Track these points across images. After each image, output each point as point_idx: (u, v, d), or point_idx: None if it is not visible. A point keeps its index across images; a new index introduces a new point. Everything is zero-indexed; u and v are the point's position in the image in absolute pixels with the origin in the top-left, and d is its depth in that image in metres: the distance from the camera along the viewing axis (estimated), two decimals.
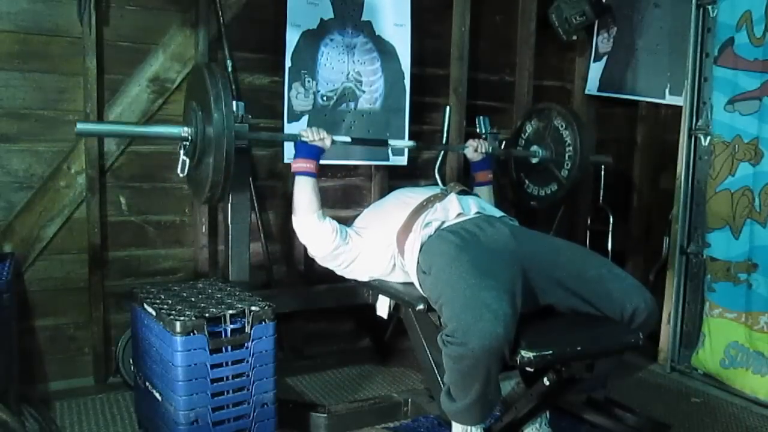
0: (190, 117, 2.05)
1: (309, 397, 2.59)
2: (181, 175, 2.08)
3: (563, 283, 1.94)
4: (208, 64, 2.12)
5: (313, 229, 2.21)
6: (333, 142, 2.25)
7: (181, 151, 2.06)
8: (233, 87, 2.60)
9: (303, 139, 2.21)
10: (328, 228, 2.20)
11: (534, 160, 2.86)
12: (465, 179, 2.86)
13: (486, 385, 1.73)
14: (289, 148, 2.66)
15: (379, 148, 2.85)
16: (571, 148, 2.73)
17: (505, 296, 1.72)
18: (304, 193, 2.20)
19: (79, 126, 1.94)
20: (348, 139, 2.46)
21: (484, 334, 1.64)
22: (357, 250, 2.23)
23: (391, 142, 2.58)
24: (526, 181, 2.96)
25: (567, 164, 2.74)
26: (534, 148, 2.87)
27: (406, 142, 2.79)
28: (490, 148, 2.61)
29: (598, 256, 2.11)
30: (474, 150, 2.57)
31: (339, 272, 2.33)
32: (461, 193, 2.28)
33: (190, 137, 2.02)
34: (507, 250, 1.98)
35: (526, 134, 2.97)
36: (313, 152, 2.21)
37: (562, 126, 2.79)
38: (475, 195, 2.36)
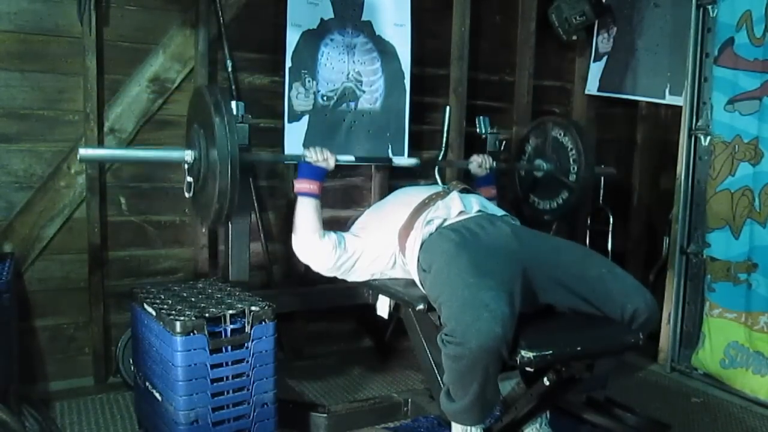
0: (194, 139, 2.05)
1: (309, 397, 2.59)
2: (187, 195, 2.08)
3: (564, 283, 1.94)
4: (209, 86, 2.12)
5: (313, 249, 2.21)
6: (337, 161, 2.24)
7: (186, 172, 2.06)
8: (233, 87, 2.61)
9: (307, 159, 2.20)
10: (328, 246, 2.19)
11: (539, 174, 2.86)
12: (465, 179, 2.86)
13: (484, 384, 1.73)
14: (289, 148, 2.66)
15: (380, 149, 2.86)
16: (573, 151, 2.73)
17: (504, 296, 1.72)
18: (306, 214, 2.19)
19: (82, 152, 1.95)
20: (352, 158, 2.44)
21: (483, 333, 1.64)
22: (358, 253, 2.22)
23: (395, 160, 2.59)
24: (535, 199, 2.96)
25: (573, 168, 2.74)
26: (538, 161, 2.87)
27: (409, 160, 2.72)
28: (494, 163, 2.61)
29: (599, 256, 2.11)
30: (478, 165, 2.59)
31: (341, 277, 2.32)
32: (463, 191, 2.27)
33: (194, 159, 2.02)
34: (507, 249, 1.98)
35: (527, 154, 2.97)
36: (317, 173, 2.21)
37: (560, 134, 2.80)
38: (477, 193, 2.36)
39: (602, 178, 3.50)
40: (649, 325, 1.91)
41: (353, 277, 2.29)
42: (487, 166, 2.57)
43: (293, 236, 2.23)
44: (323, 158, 2.19)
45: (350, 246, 2.22)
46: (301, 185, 2.20)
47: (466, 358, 1.68)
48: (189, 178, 2.05)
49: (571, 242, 2.17)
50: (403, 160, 2.68)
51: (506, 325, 1.66)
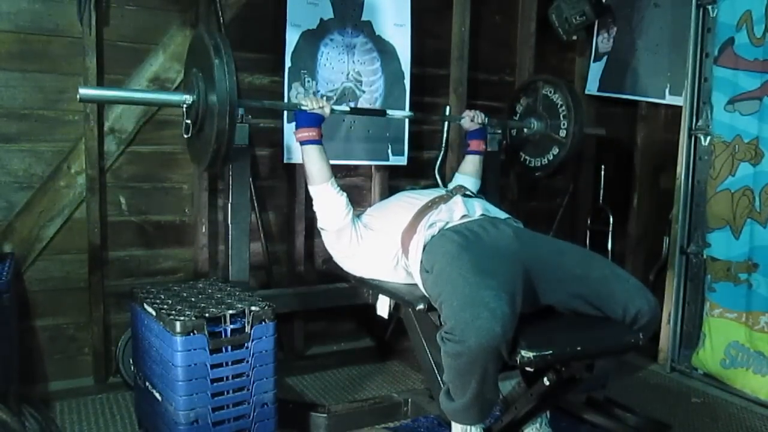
0: (192, 83, 2.06)
1: (309, 397, 2.59)
2: (185, 136, 2.10)
3: (566, 284, 1.93)
4: (208, 29, 2.13)
5: (327, 198, 2.22)
6: (332, 110, 2.27)
7: (185, 115, 2.09)
8: None
9: (303, 107, 2.23)
10: (342, 201, 2.22)
11: (530, 131, 2.88)
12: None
13: (483, 383, 1.73)
14: (288, 149, 2.66)
15: (380, 149, 2.86)
16: (564, 107, 2.75)
17: (505, 295, 1.72)
18: (314, 161, 2.21)
19: (82, 91, 1.93)
20: (346, 108, 2.49)
21: (482, 332, 1.64)
22: (361, 242, 2.22)
23: (390, 111, 2.59)
24: (526, 157, 2.97)
25: (563, 124, 2.76)
26: (528, 120, 2.89)
27: (404, 113, 2.82)
28: (486, 119, 2.64)
29: (601, 258, 2.11)
30: (470, 120, 2.63)
31: (339, 260, 2.32)
32: (466, 195, 2.28)
33: (192, 102, 2.04)
34: (509, 250, 1.98)
35: (518, 114, 2.97)
36: (314, 120, 2.23)
37: (551, 92, 2.82)
38: (480, 198, 2.36)
39: (602, 177, 3.53)
40: (652, 326, 1.91)
41: (351, 265, 2.29)
42: (479, 121, 2.62)
43: (309, 186, 2.26)
44: (319, 105, 2.22)
45: (359, 228, 2.23)
46: (301, 134, 2.23)
47: (464, 356, 1.68)
48: (187, 121, 2.07)
49: (572, 244, 2.17)
50: (398, 113, 2.70)
51: (506, 325, 1.66)
